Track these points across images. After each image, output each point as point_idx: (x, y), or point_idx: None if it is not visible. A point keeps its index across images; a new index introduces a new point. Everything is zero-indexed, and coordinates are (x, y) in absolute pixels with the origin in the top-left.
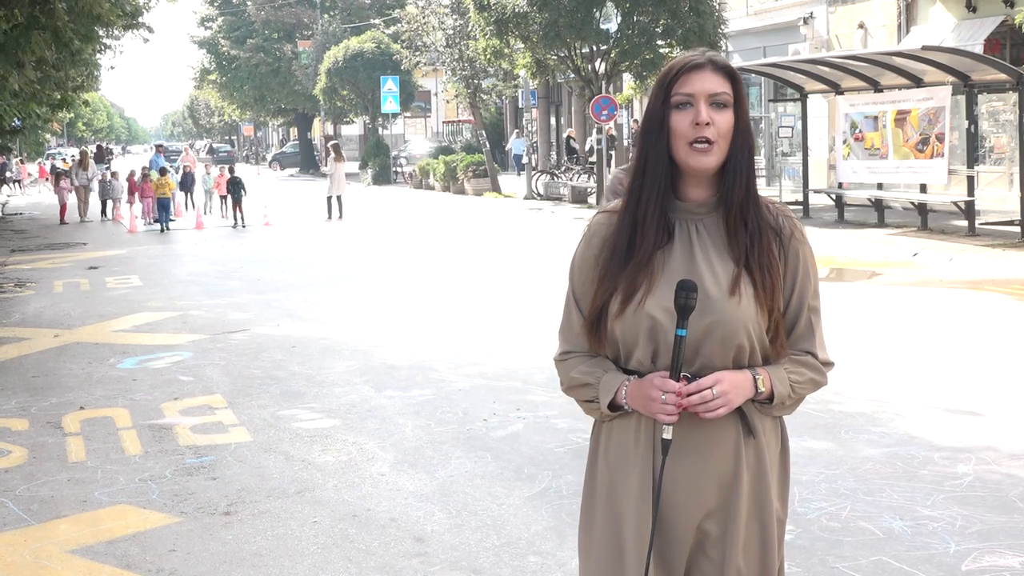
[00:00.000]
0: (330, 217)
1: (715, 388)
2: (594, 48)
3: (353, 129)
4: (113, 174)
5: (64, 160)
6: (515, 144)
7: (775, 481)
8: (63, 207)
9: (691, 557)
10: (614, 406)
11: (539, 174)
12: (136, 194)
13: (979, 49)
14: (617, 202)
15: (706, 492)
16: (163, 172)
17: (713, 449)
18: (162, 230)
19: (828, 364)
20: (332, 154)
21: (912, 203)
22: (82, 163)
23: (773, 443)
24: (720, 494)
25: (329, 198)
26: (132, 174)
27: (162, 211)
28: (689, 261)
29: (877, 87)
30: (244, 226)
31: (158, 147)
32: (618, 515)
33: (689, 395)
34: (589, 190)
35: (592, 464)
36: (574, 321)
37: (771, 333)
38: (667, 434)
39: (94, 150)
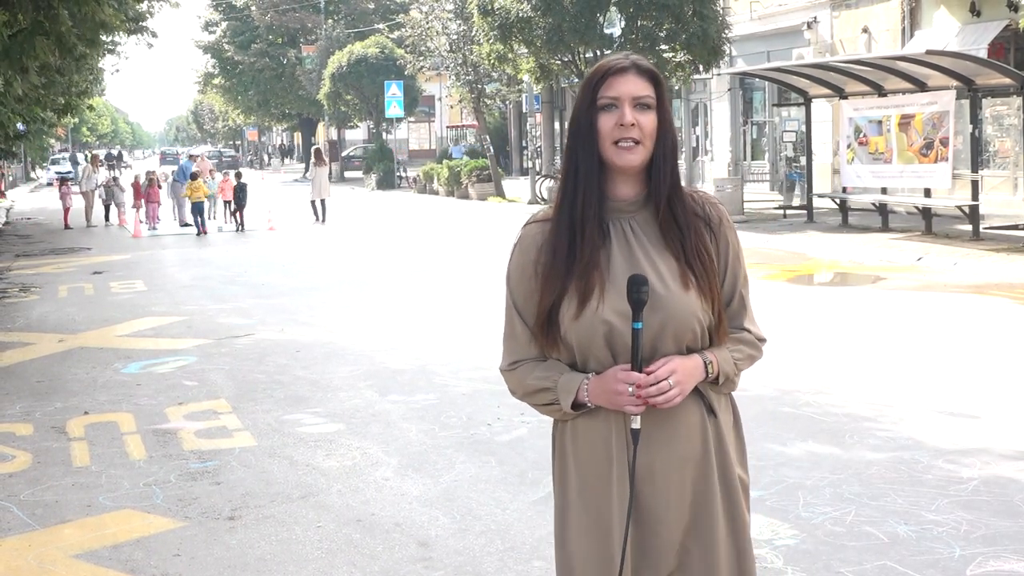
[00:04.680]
0: (316, 220)
1: (671, 379)
2: (598, 53)
3: (357, 134)
4: (115, 179)
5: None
6: None
7: (734, 451)
8: (66, 212)
9: (680, 538)
10: (576, 405)
11: (543, 179)
12: (142, 199)
13: (983, 53)
14: (547, 209)
15: (681, 474)
16: (194, 177)
17: (682, 432)
18: (198, 233)
19: (762, 340)
20: (314, 158)
21: (916, 207)
22: (92, 166)
23: (728, 418)
24: (694, 473)
25: (313, 202)
26: (136, 179)
27: (198, 215)
28: (630, 259)
29: (881, 91)
30: (243, 230)
31: (162, 153)
32: (596, 508)
33: (648, 387)
34: None
35: (561, 461)
36: (518, 331)
37: (715, 318)
38: (636, 424)
39: (103, 156)
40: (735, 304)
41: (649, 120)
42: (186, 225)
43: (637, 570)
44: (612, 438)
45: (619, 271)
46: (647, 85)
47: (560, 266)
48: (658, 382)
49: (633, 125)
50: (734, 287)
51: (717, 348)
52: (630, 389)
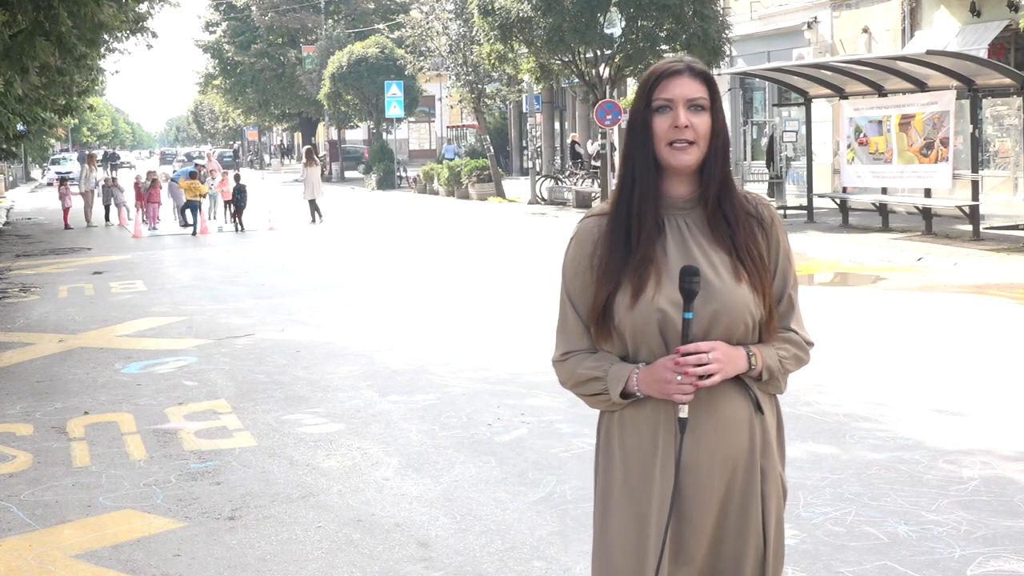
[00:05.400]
0: (313, 220)
1: (711, 354)
2: (598, 53)
3: (357, 134)
4: (114, 179)
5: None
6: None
7: (777, 452)
8: (66, 211)
9: (713, 531)
10: (626, 394)
11: (543, 179)
12: (143, 199)
13: (983, 53)
14: (604, 204)
15: (724, 467)
16: (192, 176)
17: (729, 426)
18: (194, 233)
19: (810, 343)
20: (305, 159)
21: (916, 207)
22: (89, 166)
23: (773, 419)
24: (737, 468)
25: (311, 201)
26: (137, 179)
27: (192, 212)
28: (684, 251)
29: (881, 91)
30: (243, 231)
31: (161, 154)
32: (639, 499)
33: (687, 355)
34: (593, 195)
35: (607, 454)
36: (570, 322)
37: (765, 315)
38: (683, 413)
39: (101, 155)
40: (784, 305)
41: (703, 121)
42: (187, 226)
43: (670, 558)
44: (659, 428)
45: (674, 263)
46: (701, 86)
47: (616, 260)
48: (698, 352)
49: (687, 127)
50: (784, 287)
51: (763, 345)
52: (679, 378)
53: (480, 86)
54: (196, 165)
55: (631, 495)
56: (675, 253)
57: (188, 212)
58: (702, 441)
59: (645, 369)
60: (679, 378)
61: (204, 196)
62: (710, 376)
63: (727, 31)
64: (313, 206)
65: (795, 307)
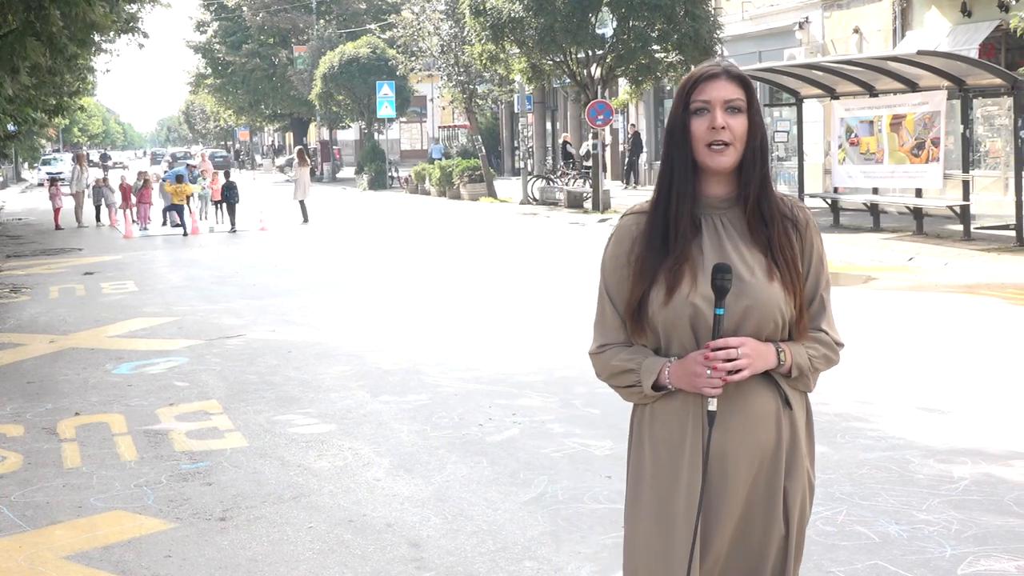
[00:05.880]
0: (305, 220)
1: (740, 350)
2: (590, 53)
3: (349, 134)
4: (104, 180)
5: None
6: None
7: (805, 446)
8: (56, 212)
9: (737, 524)
10: (658, 387)
11: (535, 179)
12: (129, 201)
13: (974, 54)
14: (644, 203)
15: (751, 461)
16: (179, 179)
17: (757, 420)
18: (185, 233)
19: (840, 344)
20: (297, 159)
21: (908, 207)
22: (80, 167)
23: (802, 416)
24: (764, 462)
25: (301, 202)
26: (123, 179)
27: (178, 214)
28: (719, 250)
29: (872, 92)
30: (235, 231)
31: (152, 154)
32: (667, 489)
33: (716, 350)
34: (585, 195)
35: (638, 445)
36: (608, 316)
37: (795, 315)
38: (712, 406)
39: (98, 157)
40: (815, 306)
41: (740, 123)
42: (177, 225)
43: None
44: (688, 420)
45: (708, 261)
46: (737, 89)
47: (653, 257)
48: (727, 347)
49: (724, 128)
50: (816, 288)
51: (794, 343)
52: (708, 372)
53: (472, 86)
54: (187, 166)
55: (659, 486)
56: (710, 251)
57: (174, 214)
58: (730, 434)
59: (677, 363)
60: (709, 372)
61: (189, 197)
62: (739, 371)
63: (718, 31)
64: (303, 207)
65: (827, 308)
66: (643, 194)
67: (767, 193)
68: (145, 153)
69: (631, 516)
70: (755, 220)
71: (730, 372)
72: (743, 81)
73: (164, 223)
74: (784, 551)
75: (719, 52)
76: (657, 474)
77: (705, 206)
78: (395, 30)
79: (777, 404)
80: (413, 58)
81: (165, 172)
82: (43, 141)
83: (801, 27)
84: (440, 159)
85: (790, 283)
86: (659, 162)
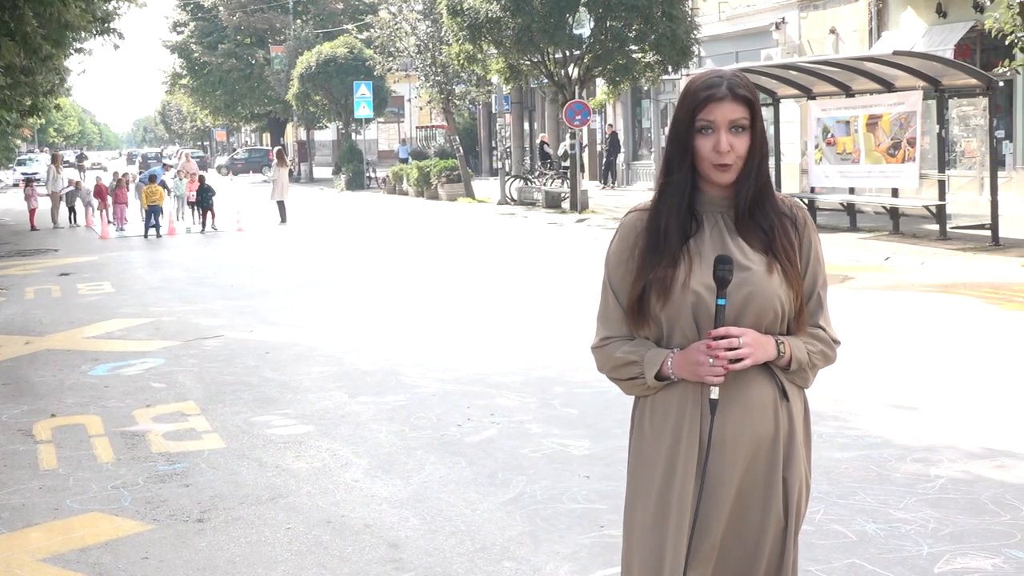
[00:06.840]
0: (283, 220)
1: (742, 339)
2: (567, 53)
3: (326, 135)
4: (78, 183)
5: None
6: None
7: (802, 435)
8: (32, 213)
9: (734, 511)
10: (660, 377)
11: (512, 179)
12: (106, 201)
13: (950, 54)
14: (647, 201)
15: (749, 448)
16: (152, 180)
17: (756, 409)
18: (158, 235)
19: (837, 342)
20: (275, 159)
21: (884, 207)
22: (56, 167)
23: (799, 409)
24: (761, 451)
25: (280, 202)
26: (99, 180)
27: (152, 216)
28: (721, 243)
29: (849, 92)
30: (215, 229)
31: (128, 154)
32: (664, 475)
33: (719, 339)
34: (563, 195)
35: (638, 434)
36: (611, 309)
37: (794, 311)
38: (714, 394)
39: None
40: (813, 303)
41: (743, 142)
42: (152, 227)
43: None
44: (687, 409)
45: (709, 252)
46: (742, 108)
47: (655, 252)
48: (729, 336)
49: (729, 151)
50: (813, 286)
51: (793, 337)
52: (711, 360)
53: (449, 86)
54: (164, 165)
55: (657, 472)
56: (710, 243)
57: (151, 216)
58: (729, 421)
59: (679, 353)
60: (711, 361)
61: (161, 199)
62: (740, 360)
63: (695, 32)
64: (281, 207)
65: (823, 306)
66: (620, 194)
67: (767, 193)
68: (121, 154)
69: (630, 502)
70: (754, 219)
71: (732, 361)
72: (747, 99)
73: (146, 233)
74: (783, 542)
75: (696, 52)
76: (656, 460)
77: (706, 203)
78: (372, 30)
79: (775, 394)
80: (390, 58)
81: (139, 174)
82: (18, 141)
83: (778, 28)
84: (407, 160)
85: (789, 279)
86: (637, 162)
